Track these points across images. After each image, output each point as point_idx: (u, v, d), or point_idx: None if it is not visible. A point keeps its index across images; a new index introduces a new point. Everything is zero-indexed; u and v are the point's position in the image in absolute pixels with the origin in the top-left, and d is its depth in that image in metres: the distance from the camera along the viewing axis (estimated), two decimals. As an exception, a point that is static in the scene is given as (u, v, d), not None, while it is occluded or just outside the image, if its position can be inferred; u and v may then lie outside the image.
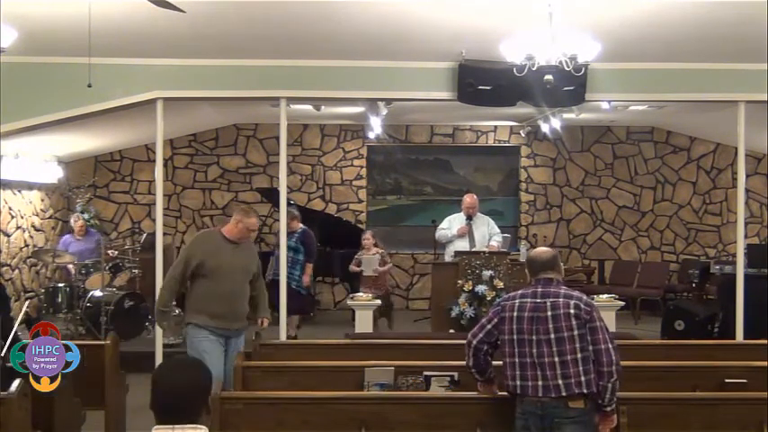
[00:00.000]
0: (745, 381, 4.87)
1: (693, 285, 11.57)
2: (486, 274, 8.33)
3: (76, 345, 6.21)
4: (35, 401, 4.75)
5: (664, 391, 4.66)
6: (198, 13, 5.78)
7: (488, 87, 7.53)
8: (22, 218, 10.90)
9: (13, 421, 4.40)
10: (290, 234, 9.15)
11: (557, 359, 4.01)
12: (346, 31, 6.70)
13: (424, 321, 10.54)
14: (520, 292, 4.27)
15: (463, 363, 4.99)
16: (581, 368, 3.98)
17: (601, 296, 9.84)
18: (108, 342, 6.19)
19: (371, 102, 9.72)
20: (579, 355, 3.99)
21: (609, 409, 4.01)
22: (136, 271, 10.28)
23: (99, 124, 9.38)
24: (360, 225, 12.52)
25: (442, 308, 8.51)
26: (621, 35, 6.60)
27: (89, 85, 5.73)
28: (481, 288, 8.26)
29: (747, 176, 10.15)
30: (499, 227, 9.46)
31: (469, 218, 9.19)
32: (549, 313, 4.06)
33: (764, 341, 6.05)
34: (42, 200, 11.62)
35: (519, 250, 10.67)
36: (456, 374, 5.05)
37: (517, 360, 4.12)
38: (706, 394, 4.34)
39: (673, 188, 13.12)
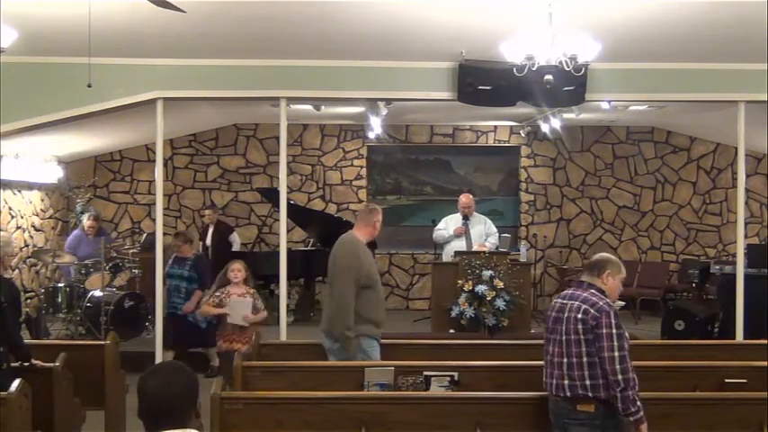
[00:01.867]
0: (745, 381, 4.87)
1: (693, 285, 11.55)
2: (486, 274, 8.33)
3: (77, 345, 6.26)
4: (35, 401, 4.76)
5: (664, 391, 4.66)
6: (198, 13, 5.78)
7: (488, 87, 7.53)
8: (22, 218, 10.90)
9: (13, 421, 4.40)
10: (180, 260, 8.48)
11: (565, 360, 4.09)
12: (346, 31, 6.70)
13: (424, 321, 10.54)
14: (564, 292, 4.36)
15: (463, 362, 5.00)
16: (586, 372, 4.03)
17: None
18: (108, 342, 6.20)
19: (371, 102, 9.72)
20: (585, 359, 4.03)
21: (631, 419, 3.97)
22: (136, 271, 10.27)
23: (99, 124, 9.38)
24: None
25: (442, 308, 8.52)
26: (621, 35, 6.60)
27: (89, 85, 5.72)
28: (481, 288, 8.27)
29: (747, 176, 10.15)
30: (499, 227, 9.46)
31: (466, 218, 9.18)
32: (566, 315, 4.13)
33: (764, 341, 6.05)
34: (42, 200, 11.63)
35: (519, 250, 10.67)
36: (456, 374, 5.06)
37: (544, 356, 4.29)
38: (706, 394, 4.36)
39: (673, 188, 13.12)
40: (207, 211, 11.55)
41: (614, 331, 4.00)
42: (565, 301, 4.19)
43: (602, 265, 4.25)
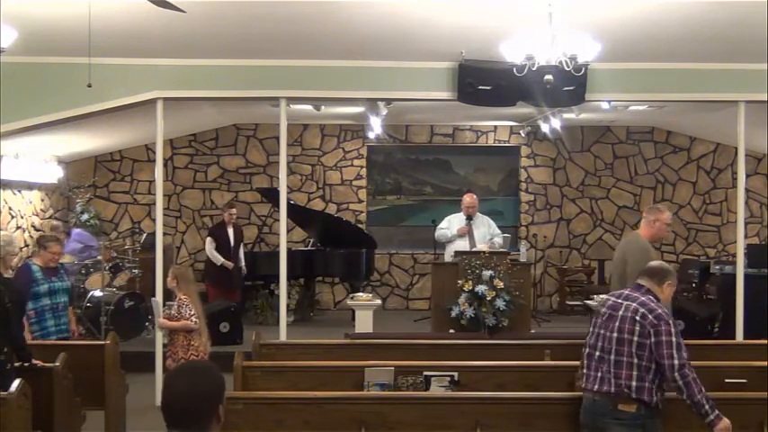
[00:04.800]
0: (745, 381, 4.87)
1: (693, 285, 11.55)
2: (486, 274, 8.32)
3: (76, 345, 6.25)
4: (35, 401, 4.76)
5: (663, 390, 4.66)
6: (198, 13, 5.78)
7: (488, 87, 7.53)
8: (22, 218, 10.90)
9: (13, 421, 4.40)
10: (55, 270, 6.63)
11: (613, 357, 4.12)
12: (346, 31, 6.70)
13: (424, 321, 10.54)
14: (618, 292, 4.41)
15: (462, 363, 4.99)
16: (634, 373, 4.06)
17: (601, 296, 9.83)
18: (108, 342, 6.20)
19: (371, 102, 9.72)
20: (635, 361, 4.07)
21: (706, 420, 3.97)
22: (136, 271, 10.28)
23: (99, 124, 9.38)
24: (360, 225, 12.52)
25: (442, 308, 8.51)
26: (621, 35, 6.60)
27: (89, 85, 5.73)
28: (481, 288, 8.25)
29: (747, 176, 10.15)
30: (499, 227, 9.45)
31: (469, 218, 9.17)
32: (620, 313, 4.16)
33: (764, 341, 6.05)
34: (42, 200, 11.63)
35: (519, 250, 10.67)
36: (456, 374, 5.06)
37: (587, 350, 4.31)
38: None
39: (673, 188, 13.12)
40: (232, 210, 10.63)
41: (673, 339, 4.04)
42: (620, 301, 4.23)
43: (665, 274, 4.30)
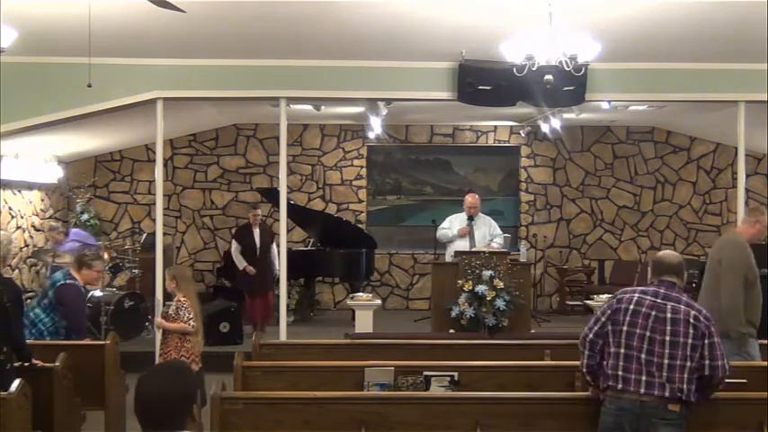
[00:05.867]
0: (745, 381, 4.86)
1: (693, 285, 11.54)
2: (486, 274, 8.31)
3: (76, 345, 6.24)
4: (35, 401, 4.76)
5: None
6: (198, 13, 5.78)
7: (488, 87, 7.54)
8: (22, 218, 10.90)
9: (13, 421, 4.40)
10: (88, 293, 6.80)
11: (666, 361, 4.04)
12: (346, 31, 6.71)
13: (424, 321, 10.54)
14: (640, 288, 4.29)
15: (462, 363, 4.98)
16: (686, 376, 4.03)
17: (601, 296, 9.84)
18: (108, 342, 6.19)
19: (371, 102, 9.72)
20: (688, 364, 4.03)
21: None
22: (136, 271, 10.28)
23: (99, 124, 9.39)
24: (360, 225, 12.53)
25: (442, 308, 8.51)
26: (621, 35, 6.60)
27: (89, 85, 5.73)
28: (481, 288, 8.25)
29: (747, 176, 10.12)
30: (499, 227, 9.44)
31: (471, 218, 9.16)
32: (669, 316, 4.08)
33: (764, 341, 6.04)
34: (42, 200, 11.63)
35: (519, 250, 10.66)
36: (456, 374, 5.05)
37: (623, 351, 4.13)
38: (706, 394, 4.36)
39: (673, 188, 13.12)
40: (257, 211, 10.43)
41: (720, 340, 4.07)
42: (660, 301, 4.13)
43: (683, 267, 4.31)
